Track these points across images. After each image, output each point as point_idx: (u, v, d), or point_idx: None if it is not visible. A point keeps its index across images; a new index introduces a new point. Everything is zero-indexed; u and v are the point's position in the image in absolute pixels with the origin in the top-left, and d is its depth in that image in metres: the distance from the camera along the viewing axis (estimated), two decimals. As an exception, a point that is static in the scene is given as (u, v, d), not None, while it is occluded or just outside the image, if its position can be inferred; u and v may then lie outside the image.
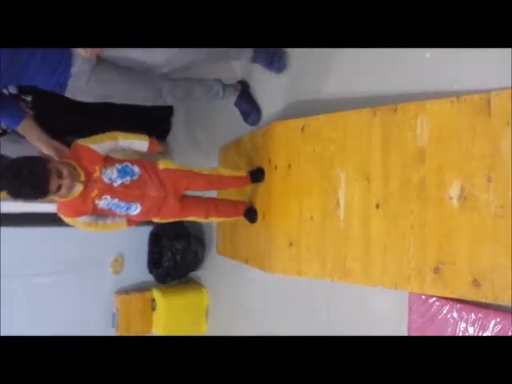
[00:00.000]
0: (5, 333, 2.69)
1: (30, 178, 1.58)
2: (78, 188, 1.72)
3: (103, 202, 1.80)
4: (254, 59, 2.24)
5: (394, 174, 1.59)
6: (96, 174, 1.77)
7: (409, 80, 1.70)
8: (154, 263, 3.21)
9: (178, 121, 3.40)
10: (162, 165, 1.95)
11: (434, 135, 1.49)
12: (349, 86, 1.95)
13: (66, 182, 1.66)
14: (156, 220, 2.03)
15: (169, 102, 2.07)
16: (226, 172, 2.16)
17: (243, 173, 2.21)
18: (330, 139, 1.83)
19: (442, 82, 1.59)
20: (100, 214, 1.88)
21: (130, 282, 3.26)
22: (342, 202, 1.77)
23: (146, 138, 1.94)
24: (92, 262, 3.04)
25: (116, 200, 1.82)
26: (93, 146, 1.79)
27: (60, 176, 1.64)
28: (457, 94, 1.44)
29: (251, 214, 2.26)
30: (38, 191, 1.61)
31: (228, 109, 2.81)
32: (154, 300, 3.13)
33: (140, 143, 1.93)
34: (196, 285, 3.24)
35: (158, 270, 3.17)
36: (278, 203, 2.10)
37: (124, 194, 1.83)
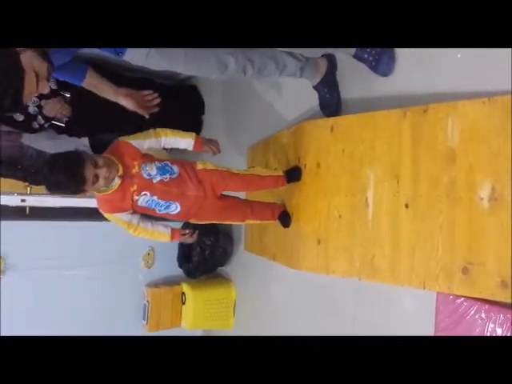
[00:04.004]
0: (37, 322, 2.80)
1: (65, 168, 1.60)
2: (117, 182, 1.72)
3: (142, 199, 1.80)
4: (357, 56, 1.94)
5: (424, 174, 1.59)
6: (135, 170, 1.77)
7: (440, 80, 1.70)
8: (184, 258, 3.28)
9: (207, 119, 3.46)
10: (200, 165, 1.94)
11: (465, 136, 1.48)
12: (378, 86, 1.96)
13: (102, 172, 1.65)
14: (193, 221, 2.01)
15: (236, 77, 1.90)
16: (263, 172, 2.13)
17: (280, 172, 2.16)
18: (359, 139, 1.84)
19: (474, 82, 1.58)
20: (142, 217, 1.88)
21: (160, 275, 3.34)
22: (370, 202, 1.78)
23: (193, 135, 1.93)
24: (126, 255, 3.13)
25: (155, 197, 1.81)
26: (133, 141, 1.79)
27: (96, 166, 1.64)
28: (489, 95, 1.43)
29: (285, 218, 2.21)
30: (75, 180, 1.61)
31: (257, 107, 2.86)
32: (183, 294, 3.20)
33: (185, 141, 1.92)
34: (224, 280, 3.29)
35: (188, 265, 3.24)
36: (306, 201, 2.12)
37: (163, 191, 1.82)
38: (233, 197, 2.12)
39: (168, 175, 1.84)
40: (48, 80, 1.46)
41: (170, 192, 1.84)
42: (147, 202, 1.82)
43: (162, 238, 1.95)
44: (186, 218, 1.99)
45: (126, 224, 1.84)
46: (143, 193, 1.79)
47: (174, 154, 3.11)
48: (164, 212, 1.88)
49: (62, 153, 1.69)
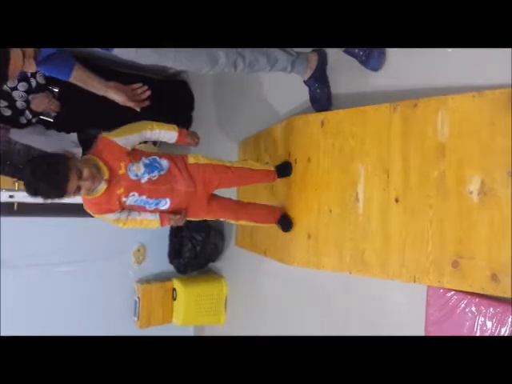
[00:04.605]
0: (28, 318, 2.78)
1: (48, 176, 1.52)
2: (102, 186, 1.67)
3: (131, 199, 1.75)
4: (347, 51, 1.95)
5: (414, 168, 1.59)
6: (121, 171, 1.70)
7: (430, 75, 1.70)
8: (175, 254, 3.27)
9: (197, 115, 3.44)
10: (191, 159, 1.89)
11: (455, 130, 1.49)
12: (368, 81, 1.95)
13: (85, 184, 1.60)
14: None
15: (227, 71, 1.89)
16: (255, 165, 2.09)
17: (271, 167, 2.14)
18: (349, 134, 1.84)
19: (464, 76, 1.58)
20: (130, 209, 1.82)
21: (151, 271, 3.33)
22: (360, 196, 1.79)
23: (176, 127, 1.86)
24: (115, 251, 3.11)
25: (144, 196, 1.77)
26: (118, 139, 1.70)
27: (80, 177, 1.58)
28: (479, 89, 1.43)
29: (286, 223, 2.13)
30: (55, 191, 1.56)
31: (248, 102, 2.84)
32: (174, 290, 3.19)
33: (168, 134, 1.85)
34: (215, 276, 3.29)
35: (179, 261, 3.22)
36: (297, 196, 2.12)
37: (152, 190, 1.77)
38: (225, 198, 2.08)
39: (156, 172, 1.78)
40: (35, 59, 1.43)
41: (158, 190, 1.79)
42: (136, 201, 1.77)
43: (152, 225, 1.89)
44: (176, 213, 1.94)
45: (114, 221, 1.80)
46: (131, 194, 1.74)
47: (163, 148, 3.10)
48: (154, 208, 1.84)
49: (48, 156, 1.60)
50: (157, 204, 1.83)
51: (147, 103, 1.97)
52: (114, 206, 1.75)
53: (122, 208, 1.80)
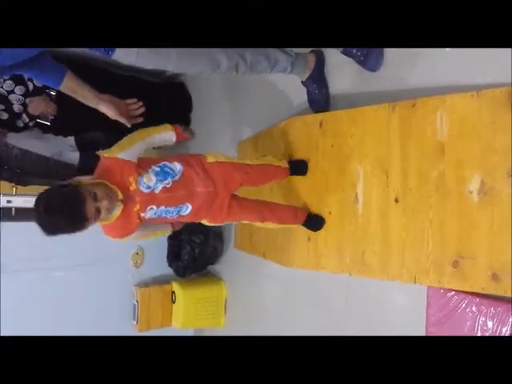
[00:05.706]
0: (26, 324, 2.77)
1: (63, 207, 1.40)
2: (118, 208, 1.56)
3: (150, 213, 1.64)
4: (345, 51, 1.92)
5: (413, 168, 1.59)
6: (132, 187, 1.58)
7: (428, 75, 1.70)
8: (174, 257, 3.25)
9: (195, 116, 3.43)
10: (211, 158, 1.78)
11: (454, 129, 1.49)
12: (367, 81, 1.95)
13: (104, 204, 1.47)
14: (206, 222, 1.85)
15: (228, 74, 1.86)
16: (274, 161, 1.99)
17: (285, 164, 2.04)
18: (348, 134, 1.83)
19: (463, 76, 1.58)
20: (147, 223, 1.74)
21: (150, 274, 3.32)
22: (360, 197, 1.78)
23: (170, 126, 1.76)
24: (114, 254, 3.09)
25: (163, 207, 1.65)
26: (121, 155, 1.58)
27: (95, 198, 1.45)
28: (478, 88, 1.43)
29: (316, 221, 1.98)
30: (76, 220, 1.43)
31: (246, 103, 2.84)
32: (173, 293, 3.18)
33: (167, 135, 1.75)
34: (215, 278, 3.28)
35: (177, 264, 3.21)
36: (297, 197, 2.11)
37: (169, 198, 1.65)
38: (245, 198, 1.97)
39: (170, 179, 1.66)
40: None
41: (176, 197, 1.67)
42: (156, 213, 1.66)
43: (167, 233, 1.92)
44: (198, 217, 1.82)
45: (134, 239, 1.74)
46: (149, 208, 1.63)
47: (164, 151, 3.10)
48: (176, 216, 1.74)
49: (56, 188, 1.48)
50: (178, 211, 1.71)
51: (140, 120, 1.88)
52: (134, 225, 1.65)
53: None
